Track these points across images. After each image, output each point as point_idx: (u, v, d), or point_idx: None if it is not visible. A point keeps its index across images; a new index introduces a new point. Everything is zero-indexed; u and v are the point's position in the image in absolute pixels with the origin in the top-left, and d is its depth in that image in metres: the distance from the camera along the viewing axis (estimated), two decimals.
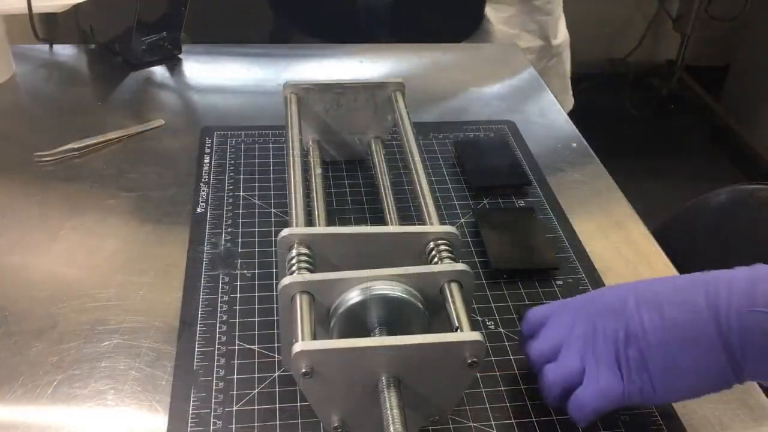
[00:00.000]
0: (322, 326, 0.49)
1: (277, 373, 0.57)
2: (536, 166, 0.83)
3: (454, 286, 0.49)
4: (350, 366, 0.45)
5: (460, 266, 0.50)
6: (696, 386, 0.49)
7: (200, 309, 0.61)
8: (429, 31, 1.28)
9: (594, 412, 0.50)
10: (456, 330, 0.47)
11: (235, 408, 0.54)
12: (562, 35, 1.36)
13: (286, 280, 0.48)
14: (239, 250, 0.68)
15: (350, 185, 0.77)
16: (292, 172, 0.61)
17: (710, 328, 0.47)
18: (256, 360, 0.58)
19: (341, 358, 0.45)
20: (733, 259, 0.51)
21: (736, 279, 0.48)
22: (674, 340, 0.48)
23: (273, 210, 0.73)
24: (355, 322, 0.49)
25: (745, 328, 0.46)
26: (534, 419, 0.55)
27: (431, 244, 0.53)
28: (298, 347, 0.44)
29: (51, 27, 1.05)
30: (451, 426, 0.54)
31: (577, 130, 0.92)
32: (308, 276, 0.49)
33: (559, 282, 0.67)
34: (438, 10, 1.30)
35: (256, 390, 0.55)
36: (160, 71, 0.99)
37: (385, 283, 0.48)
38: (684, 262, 0.70)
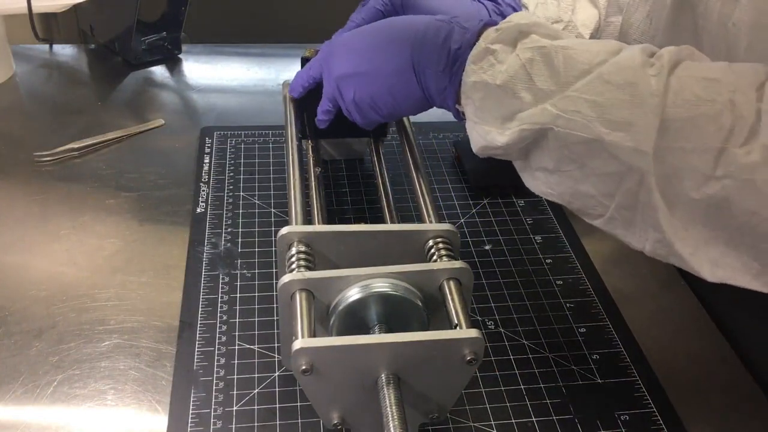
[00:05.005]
0: (321, 324, 0.49)
1: (277, 373, 0.57)
2: None
3: (453, 284, 0.49)
4: (350, 363, 0.45)
5: (459, 264, 0.50)
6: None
7: (200, 309, 0.61)
8: None
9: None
10: (455, 327, 0.47)
11: (235, 408, 0.54)
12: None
13: (285, 278, 0.48)
14: (239, 250, 0.68)
15: (350, 184, 0.77)
16: (291, 170, 0.61)
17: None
18: (256, 360, 0.58)
19: (341, 355, 0.44)
20: None
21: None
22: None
23: (273, 210, 0.73)
24: (355, 320, 0.49)
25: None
26: (534, 419, 0.55)
27: (430, 242, 0.53)
28: (297, 344, 0.44)
29: (51, 27, 1.05)
30: (451, 426, 0.54)
31: None
32: (308, 274, 0.48)
33: (559, 282, 0.67)
34: None
35: (256, 390, 0.55)
36: (160, 71, 0.99)
37: (384, 281, 0.48)
38: None
